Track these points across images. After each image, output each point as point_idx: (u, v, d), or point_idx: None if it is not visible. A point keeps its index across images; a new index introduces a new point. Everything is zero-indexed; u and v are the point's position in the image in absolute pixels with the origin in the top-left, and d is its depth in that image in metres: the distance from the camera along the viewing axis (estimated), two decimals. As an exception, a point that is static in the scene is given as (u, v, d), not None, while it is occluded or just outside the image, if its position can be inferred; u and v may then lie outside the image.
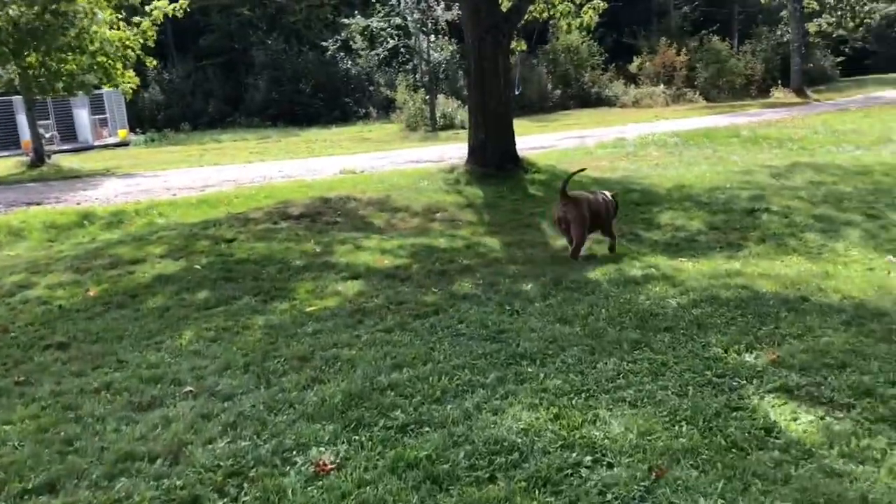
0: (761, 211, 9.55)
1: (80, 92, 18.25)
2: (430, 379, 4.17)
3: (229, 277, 6.90)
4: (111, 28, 17.88)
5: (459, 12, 15.83)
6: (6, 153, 24.16)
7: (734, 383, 4.02)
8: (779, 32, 38.42)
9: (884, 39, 46.04)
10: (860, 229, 8.43)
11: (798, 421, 3.59)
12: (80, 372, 4.68)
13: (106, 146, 26.25)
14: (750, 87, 36.30)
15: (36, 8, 13.31)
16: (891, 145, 15.04)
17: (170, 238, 8.76)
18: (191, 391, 4.21)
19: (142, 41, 18.63)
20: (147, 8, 18.46)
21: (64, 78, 17.01)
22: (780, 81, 35.43)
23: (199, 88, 34.86)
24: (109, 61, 17.53)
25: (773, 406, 3.74)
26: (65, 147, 25.41)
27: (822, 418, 3.60)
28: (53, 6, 13.64)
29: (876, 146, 15.12)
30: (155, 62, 20.47)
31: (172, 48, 36.55)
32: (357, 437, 3.55)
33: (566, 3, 14.53)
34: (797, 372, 4.11)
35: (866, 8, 31.89)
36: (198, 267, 7.33)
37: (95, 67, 17.39)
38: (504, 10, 12.66)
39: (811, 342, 4.57)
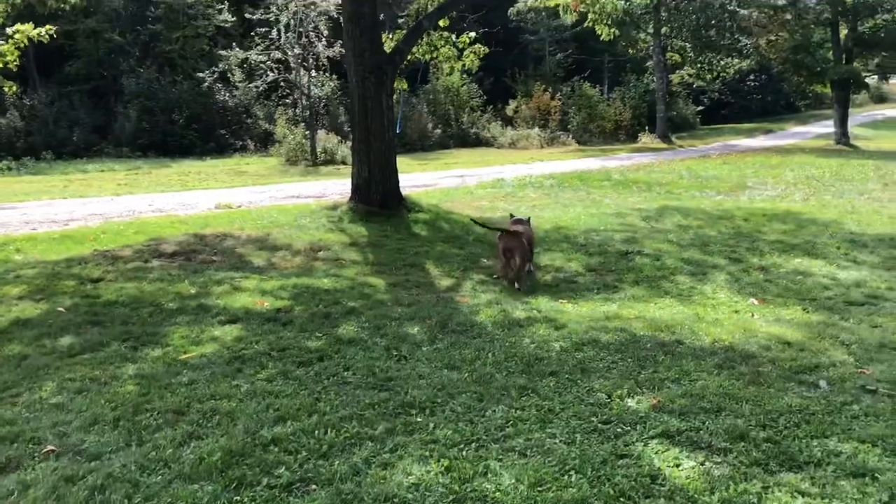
0: (634, 253, 9.93)
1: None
2: (316, 432, 4.01)
3: (96, 321, 6.46)
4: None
5: (342, 50, 15.82)
6: None
7: (619, 430, 4.08)
8: (645, 81, 40.65)
9: (737, 92, 49.88)
10: (725, 272, 8.89)
11: (681, 467, 3.68)
12: (-79, 432, 4.21)
13: (-44, 174, 24.38)
14: (619, 132, 38.11)
15: None
16: (748, 191, 16.11)
17: (29, 277, 8.16)
18: (52, 450, 3.86)
19: (1, 65, 17.49)
20: (9, 31, 17.38)
21: None
22: (647, 127, 37.38)
23: (64, 116, 33.01)
24: (-37, 85, 16.34)
25: (656, 452, 3.82)
26: None
27: (702, 463, 3.71)
28: None
29: (735, 192, 16.15)
30: (14, 87, 19.24)
31: (34, 72, 34.56)
32: (239, 498, 3.35)
33: (449, 47, 14.77)
34: (677, 417, 4.23)
35: (722, 62, 34.29)
36: (61, 309, 6.84)
37: (-54, 90, 16.14)
38: (388, 50, 12.72)
39: (688, 386, 4.73)
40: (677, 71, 39.34)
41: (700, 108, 45.67)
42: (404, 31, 13.63)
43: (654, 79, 36.15)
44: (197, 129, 33.17)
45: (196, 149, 32.36)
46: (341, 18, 12.47)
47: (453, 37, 14.97)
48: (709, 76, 35.45)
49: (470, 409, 4.35)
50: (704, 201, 14.71)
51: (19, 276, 8.23)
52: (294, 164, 26.74)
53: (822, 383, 4.82)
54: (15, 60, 17.57)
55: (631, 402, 4.47)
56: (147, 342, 5.86)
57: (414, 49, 14.41)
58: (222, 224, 11.80)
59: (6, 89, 18.66)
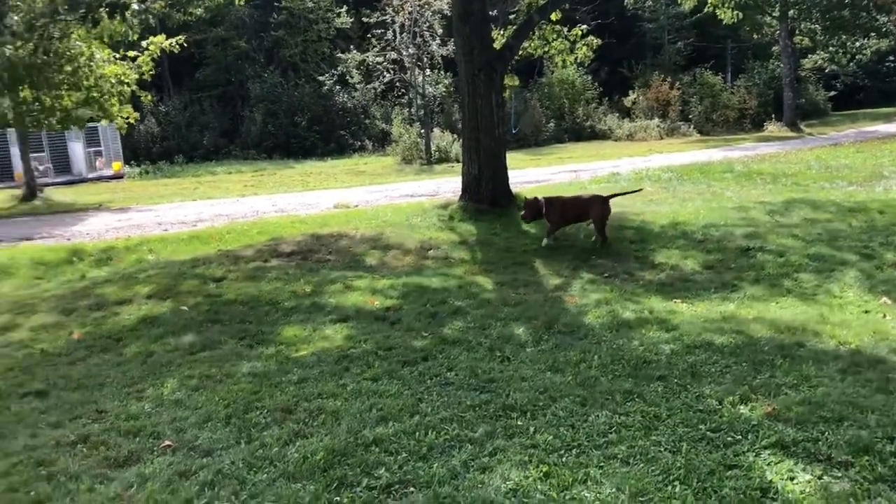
0: (756, 250, 9.48)
1: (74, 126, 18.24)
2: (417, 433, 4.04)
3: (216, 320, 6.78)
4: (108, 62, 17.93)
5: (454, 48, 15.90)
6: (1, 185, 24.12)
7: (729, 438, 3.90)
8: (771, 67, 38.76)
9: (875, 74, 46.56)
10: (855, 269, 8.35)
11: (795, 480, 3.47)
12: (58, 423, 4.54)
13: (100, 178, 26.23)
14: (744, 120, 36.54)
15: (30, 46, 13.31)
16: (883, 181, 15.04)
17: (158, 277, 8.65)
18: (170, 445, 4.08)
19: (138, 76, 18.66)
20: (144, 43, 18.51)
21: (58, 113, 17.00)
22: (773, 115, 35.66)
23: (195, 121, 34.95)
24: (104, 97, 17.53)
25: (769, 464, 3.62)
26: (59, 179, 25.39)
27: (819, 477, 3.48)
28: (48, 45, 13.66)
29: (869, 182, 15.12)
30: (150, 96, 20.48)
31: (169, 80, 36.73)
32: (339, 499, 3.41)
33: (561, 40, 14.57)
34: (793, 426, 4.00)
35: (857, 44, 32.20)
36: (184, 308, 7.21)
37: (90, 102, 17.38)
38: (498, 47, 12.68)
39: (807, 393, 4.46)
40: (809, 56, 37.25)
41: (832, 93, 43.07)
42: (515, 27, 13.53)
43: (781, 64, 34.37)
44: (318, 131, 34.30)
45: (318, 150, 33.48)
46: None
47: (565, 30, 14.73)
48: (843, 59, 33.33)
49: (572, 414, 4.27)
50: (835, 193, 13.85)
51: (149, 276, 8.74)
52: (409, 163, 27.15)
53: (961, 393, 4.43)
54: (150, 70, 18.69)
55: (743, 410, 4.26)
56: (262, 340, 6.09)
57: (525, 44, 14.30)
58: (339, 223, 12.12)
59: (143, 99, 19.86)
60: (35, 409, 4.83)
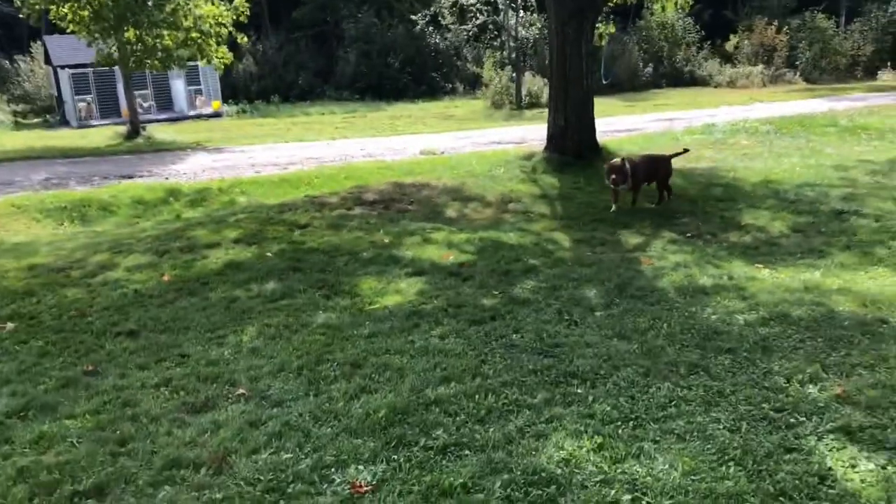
0: (851, 213, 9.07)
1: (175, 66, 18.85)
2: (477, 396, 4.15)
3: (297, 268, 7.03)
4: (206, 2, 18.35)
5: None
6: (108, 121, 25.29)
7: (792, 420, 3.84)
8: (891, 10, 36.17)
9: None
10: (960, 239, 7.91)
11: (857, 469, 3.41)
12: (144, 365, 4.86)
13: (200, 116, 27.11)
14: (855, 68, 34.47)
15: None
16: None
17: (246, 221, 8.98)
18: (244, 393, 4.32)
19: (235, 17, 19.03)
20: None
21: (159, 53, 17.58)
22: (889, 63, 33.41)
23: (291, 60, 35.45)
24: (203, 37, 18.00)
25: (831, 449, 3.56)
26: (161, 116, 26.38)
27: (883, 468, 3.41)
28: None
29: None
30: (246, 39, 20.88)
31: (266, 20, 37.23)
32: (396, 457, 3.56)
33: (658, -16, 14.02)
34: (863, 410, 3.90)
35: None
36: (269, 255, 7.50)
37: (189, 43, 17.88)
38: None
39: (883, 375, 4.32)
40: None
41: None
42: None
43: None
44: (410, 72, 34.28)
45: (409, 91, 33.52)
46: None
47: (664, -26, 14.15)
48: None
49: (633, 385, 4.28)
50: (948, 153, 13.02)
51: (238, 220, 9.08)
52: (499, 108, 26.91)
53: None
54: (246, 12, 19.01)
55: (812, 389, 4.17)
56: (339, 291, 6.30)
57: (621, -11, 13.87)
58: (424, 170, 12.23)
59: (239, 40, 20.27)
60: (126, 349, 5.17)
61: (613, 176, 9.22)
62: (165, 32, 17.03)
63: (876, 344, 4.83)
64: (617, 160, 9.45)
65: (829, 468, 3.41)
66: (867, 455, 3.52)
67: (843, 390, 4.13)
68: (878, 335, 5.01)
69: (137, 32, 16.59)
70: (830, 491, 3.25)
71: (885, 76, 32.55)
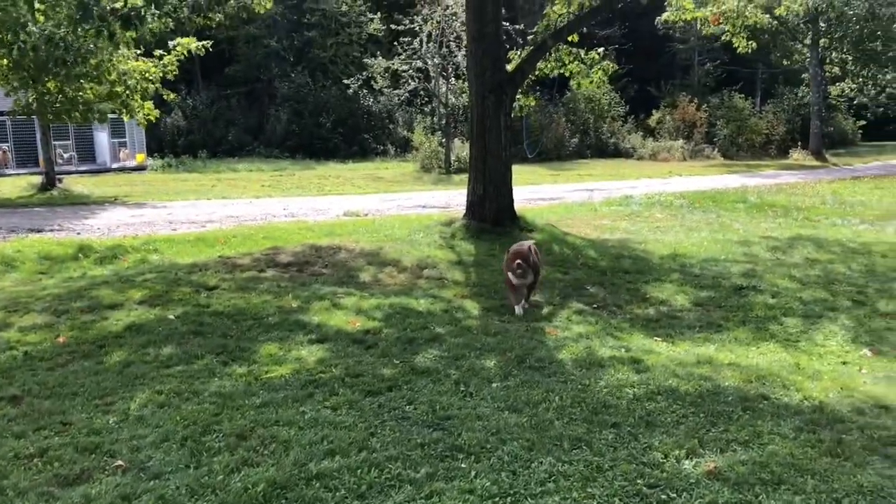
0: (749, 289, 9.48)
1: (96, 120, 18.60)
2: (360, 471, 4.13)
3: (199, 331, 6.92)
4: (132, 59, 18.25)
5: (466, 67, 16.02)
6: (25, 171, 24.62)
7: (664, 496, 3.94)
8: (800, 94, 38.45)
9: (906, 106, 45.99)
10: (845, 316, 8.33)
11: (719, 547, 3.51)
12: (22, 433, 4.68)
13: (123, 169, 26.67)
14: (769, 146, 36.33)
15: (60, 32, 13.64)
16: (895, 221, 14.92)
17: (154, 281, 8.83)
18: (121, 465, 4.20)
19: (162, 74, 18.97)
20: (171, 43, 18.81)
21: (80, 106, 17.35)
22: (799, 143, 35.37)
23: (222, 116, 35.39)
24: (128, 92, 17.86)
25: (697, 527, 3.66)
26: (83, 168, 25.87)
27: (743, 545, 3.52)
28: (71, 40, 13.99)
29: (881, 221, 15.02)
30: (174, 95, 20.79)
31: (198, 75, 37.20)
32: (269, 535, 3.52)
33: (577, 63, 14.62)
34: (730, 487, 4.03)
35: (888, 76, 31.87)
36: (171, 317, 7.37)
37: (113, 97, 17.71)
38: (511, 69, 12.76)
39: (755, 451, 4.48)
40: (837, 84, 36.92)
41: (862, 122, 42.60)
42: (529, 49, 13.60)
43: (810, 92, 34.10)
44: (342, 133, 34.60)
45: (340, 152, 33.77)
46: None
47: (582, 52, 14.78)
48: (872, 91, 33.03)
49: (516, 459, 4.33)
50: (843, 231, 13.79)
51: (146, 280, 8.92)
52: (428, 171, 27.31)
53: (911, 461, 4.43)
54: (174, 71, 18.97)
55: (687, 465, 4.30)
56: (237, 357, 6.22)
57: (541, 64, 14.38)
58: (345, 232, 12.28)
59: (166, 98, 20.16)
60: (5, 416, 4.98)
61: (518, 262, 7.61)
62: (87, 85, 16.85)
63: (753, 420, 5.02)
64: (524, 244, 8.14)
65: (694, 546, 3.50)
66: (731, 533, 3.63)
67: (714, 466, 4.27)
68: (758, 411, 5.21)
69: (58, 84, 16.37)
70: (692, 569, 3.34)
71: (795, 155, 34.38)
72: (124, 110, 18.25)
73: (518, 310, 7.54)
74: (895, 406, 5.39)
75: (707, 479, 4.12)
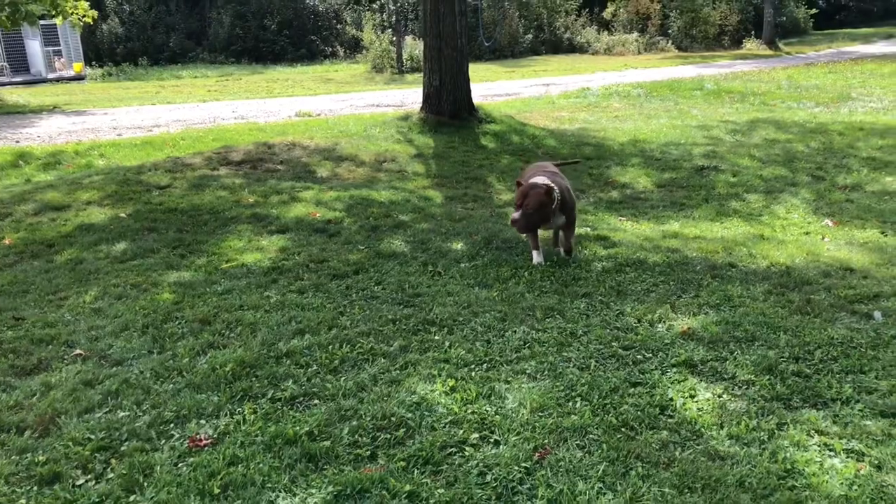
0: (711, 169, 9.47)
1: (25, 23, 17.44)
2: (331, 347, 4.03)
3: (153, 228, 6.66)
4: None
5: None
6: (-45, 84, 23.33)
7: (639, 356, 3.93)
8: (755, -18, 37.97)
9: (857, -7, 45.92)
10: (806, 190, 8.38)
11: (695, 399, 3.51)
12: (-28, 330, 4.48)
13: (60, 80, 25.42)
14: (723, 37, 36.02)
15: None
16: (850, 103, 14.98)
17: (102, 183, 8.46)
18: (80, 354, 4.03)
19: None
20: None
21: (6, 8, 16.23)
22: (753, 33, 35.14)
23: (161, 22, 33.71)
24: (57, -9, 16.72)
25: (673, 382, 3.66)
26: (16, 79, 24.60)
27: (719, 396, 3.53)
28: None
29: (835, 103, 15.05)
30: (93, 14, 19.35)
31: (133, -22, 35.20)
32: (240, 410, 3.41)
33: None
34: (705, 345, 4.03)
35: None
36: (123, 216, 7.08)
37: (42, -3, 16.57)
38: (463, -49, 12.20)
39: (727, 313, 4.49)
40: (791, -30, 36.51)
41: (813, 10, 42.39)
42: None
43: (764, -20, 33.68)
44: (288, 35, 33.33)
45: (287, 55, 32.62)
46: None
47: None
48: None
49: (490, 329, 4.27)
50: (800, 113, 13.79)
51: (94, 182, 8.55)
52: (380, 72, 26.57)
53: (877, 314, 4.48)
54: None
55: (660, 328, 4.29)
56: (195, 250, 6.01)
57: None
58: (297, 132, 11.89)
59: (87, 18, 18.51)
60: (-47, 315, 4.75)
61: (523, 202, 5.25)
62: (13, -16, 15.71)
63: (723, 286, 5.02)
64: (539, 183, 5.34)
65: (670, 399, 3.50)
66: (706, 385, 3.64)
67: (687, 328, 4.26)
68: (727, 277, 5.22)
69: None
70: (669, 420, 3.34)
71: (748, 45, 34.18)
72: (54, 11, 17.12)
73: (535, 256, 5.53)
74: (860, 267, 5.45)
75: (681, 340, 4.12)
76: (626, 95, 17.02)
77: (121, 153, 11.07)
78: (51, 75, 25.68)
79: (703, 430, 3.24)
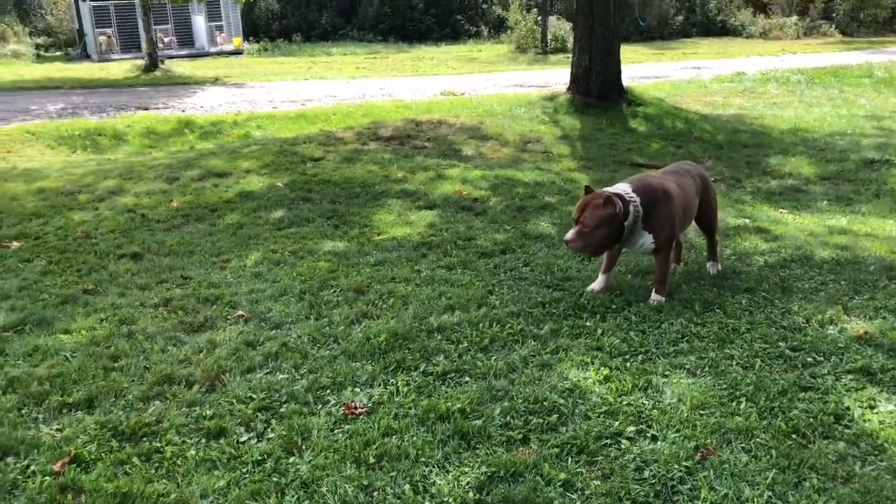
0: (882, 162, 8.79)
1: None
2: (481, 325, 4.01)
3: (308, 198, 6.88)
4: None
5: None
6: (129, 55, 25.01)
7: (809, 359, 3.67)
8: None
9: None
10: None
11: (875, 410, 3.24)
12: (145, 285, 4.76)
13: (221, 53, 26.76)
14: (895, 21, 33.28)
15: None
16: None
17: (260, 153, 8.82)
18: (243, 315, 4.20)
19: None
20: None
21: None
22: (933, 16, 32.31)
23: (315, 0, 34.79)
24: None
25: (849, 389, 3.39)
26: (182, 52, 26.07)
27: (902, 409, 3.24)
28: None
29: None
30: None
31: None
32: (394, 381, 3.44)
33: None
34: (885, 353, 3.72)
35: None
36: (280, 185, 7.34)
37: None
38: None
39: (908, 319, 4.13)
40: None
41: None
42: None
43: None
44: (434, 15, 33.57)
45: (433, 34, 32.89)
46: None
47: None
48: None
49: (645, 320, 4.12)
50: None
51: (252, 151, 8.92)
52: (524, 52, 26.32)
53: None
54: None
55: (832, 330, 3.99)
56: (348, 221, 6.15)
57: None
58: (443, 110, 11.96)
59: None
60: (128, 271, 5.07)
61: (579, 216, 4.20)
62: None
63: (902, 289, 4.62)
64: (601, 193, 4.25)
65: (847, 408, 3.24)
66: (887, 396, 3.35)
67: (864, 332, 3.95)
68: (905, 281, 4.80)
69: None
70: (846, 430, 3.09)
71: (926, 30, 31.47)
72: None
73: (597, 281, 4.52)
74: None
75: (857, 344, 3.81)
76: (784, 81, 16.03)
77: (276, 125, 11.52)
78: (212, 49, 27.07)
79: (886, 444, 2.98)
